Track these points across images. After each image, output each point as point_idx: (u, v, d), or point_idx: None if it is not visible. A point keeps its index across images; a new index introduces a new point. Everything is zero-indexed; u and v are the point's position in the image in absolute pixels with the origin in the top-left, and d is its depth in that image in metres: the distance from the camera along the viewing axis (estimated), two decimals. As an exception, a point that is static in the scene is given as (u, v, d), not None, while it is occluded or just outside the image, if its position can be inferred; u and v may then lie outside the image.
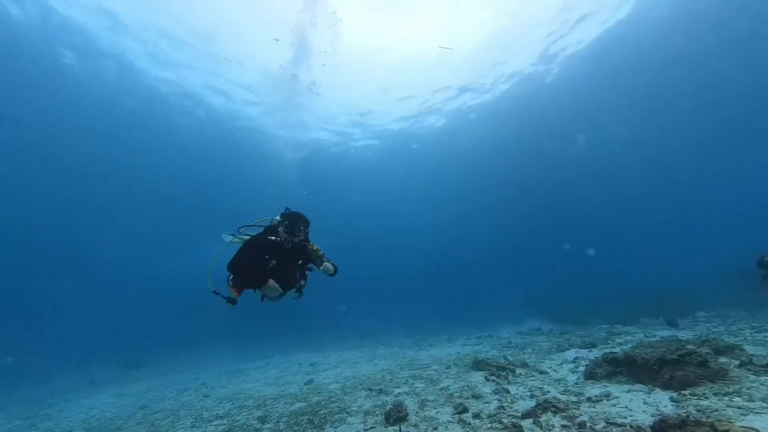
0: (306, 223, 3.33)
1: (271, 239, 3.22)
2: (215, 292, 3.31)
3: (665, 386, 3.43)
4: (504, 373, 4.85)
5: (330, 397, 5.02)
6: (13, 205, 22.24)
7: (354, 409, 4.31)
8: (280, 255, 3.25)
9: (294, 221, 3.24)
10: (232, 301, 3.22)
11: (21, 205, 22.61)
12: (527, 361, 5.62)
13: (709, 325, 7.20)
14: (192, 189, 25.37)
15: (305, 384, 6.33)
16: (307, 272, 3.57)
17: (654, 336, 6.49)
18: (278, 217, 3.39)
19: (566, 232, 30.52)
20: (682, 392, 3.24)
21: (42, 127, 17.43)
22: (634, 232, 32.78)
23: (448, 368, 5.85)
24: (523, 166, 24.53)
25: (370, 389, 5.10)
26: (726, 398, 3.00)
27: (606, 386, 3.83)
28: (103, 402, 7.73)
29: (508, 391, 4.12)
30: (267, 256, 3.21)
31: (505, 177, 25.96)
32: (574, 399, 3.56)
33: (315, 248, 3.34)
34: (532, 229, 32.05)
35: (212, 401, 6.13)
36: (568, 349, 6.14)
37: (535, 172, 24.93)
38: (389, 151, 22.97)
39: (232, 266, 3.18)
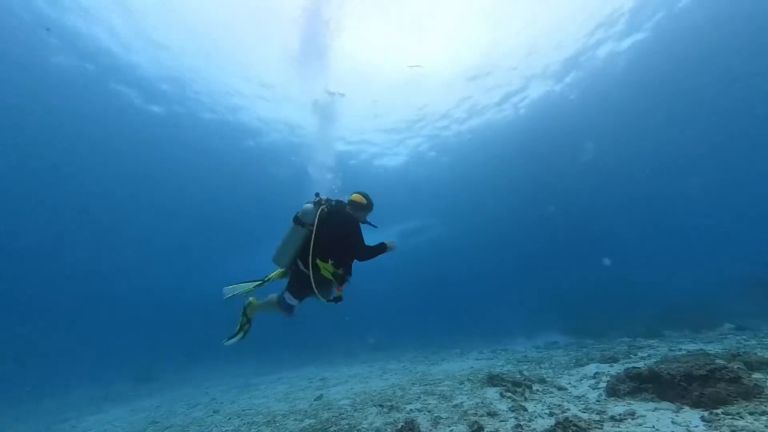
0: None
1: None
2: (337, 299, 3.52)
3: (695, 404, 3.22)
4: (520, 389, 4.64)
5: (340, 414, 4.90)
6: (29, 218, 23.03)
7: (365, 426, 4.18)
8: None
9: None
10: (340, 299, 3.50)
11: (32, 217, 23.34)
12: (544, 376, 5.39)
13: (739, 338, 6.80)
14: (202, 203, 25.86)
15: (315, 399, 6.22)
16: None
17: (679, 350, 6.15)
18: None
19: (583, 241, 29.78)
20: (714, 411, 3.03)
21: (63, 143, 18.24)
22: (654, 240, 31.68)
23: (461, 384, 5.66)
24: (536, 175, 24.23)
25: (380, 405, 4.95)
26: (764, 418, 2.79)
27: (630, 404, 3.62)
28: (116, 417, 7.74)
29: (525, 409, 3.93)
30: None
31: (518, 186, 25.66)
32: (597, 417, 3.37)
33: None
34: (547, 239, 31.35)
35: (222, 417, 6.06)
36: (588, 364, 5.87)
37: (548, 180, 24.57)
38: (397, 159, 22.97)
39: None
